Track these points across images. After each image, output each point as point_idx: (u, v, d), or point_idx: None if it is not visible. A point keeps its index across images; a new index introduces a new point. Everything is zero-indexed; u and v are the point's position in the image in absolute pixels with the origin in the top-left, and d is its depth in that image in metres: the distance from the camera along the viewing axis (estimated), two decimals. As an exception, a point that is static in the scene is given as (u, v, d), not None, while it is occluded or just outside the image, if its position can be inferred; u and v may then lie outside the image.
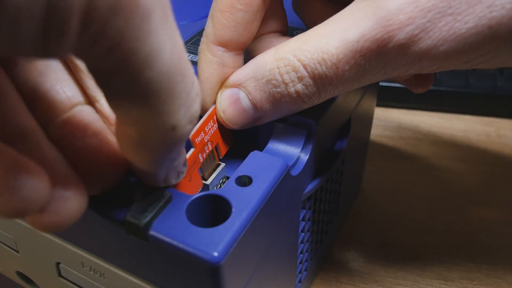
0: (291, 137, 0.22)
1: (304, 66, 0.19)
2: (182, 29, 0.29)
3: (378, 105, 0.47)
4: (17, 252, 0.24)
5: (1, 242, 0.24)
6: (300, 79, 0.19)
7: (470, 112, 0.47)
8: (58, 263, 0.22)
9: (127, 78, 0.13)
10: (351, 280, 0.32)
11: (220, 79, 0.21)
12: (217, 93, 0.21)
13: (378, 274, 0.33)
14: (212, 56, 0.21)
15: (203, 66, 0.21)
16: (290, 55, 0.19)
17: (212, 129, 0.21)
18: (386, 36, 0.17)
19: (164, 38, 0.13)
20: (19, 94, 0.17)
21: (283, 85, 0.19)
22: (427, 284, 0.32)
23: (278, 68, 0.19)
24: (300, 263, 0.27)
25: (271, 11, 0.23)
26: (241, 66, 0.22)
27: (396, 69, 0.19)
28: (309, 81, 0.19)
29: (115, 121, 0.16)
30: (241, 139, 0.24)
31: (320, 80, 0.19)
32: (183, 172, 0.18)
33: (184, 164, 0.18)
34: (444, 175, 0.40)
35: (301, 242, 0.26)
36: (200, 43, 0.22)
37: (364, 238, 0.35)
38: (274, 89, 0.20)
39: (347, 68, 0.18)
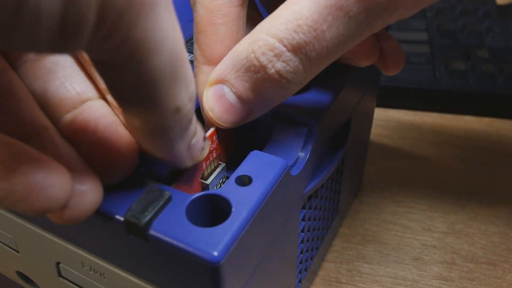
0: (291, 137, 0.22)
1: (280, 40, 0.17)
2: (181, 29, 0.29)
3: (378, 105, 0.47)
4: (17, 252, 0.24)
5: (1, 242, 0.24)
6: (278, 56, 0.18)
7: (470, 112, 0.47)
8: (58, 263, 0.22)
9: (136, 68, 0.13)
10: (351, 280, 0.32)
11: None
12: None
13: (378, 274, 0.33)
14: (206, 76, 0.21)
15: (201, 88, 0.21)
16: (263, 34, 0.18)
17: (218, 139, 0.21)
18: None
19: (167, 27, 0.13)
20: (29, 93, 0.18)
21: (262, 68, 0.18)
22: (427, 284, 0.32)
23: (253, 52, 0.18)
24: (300, 263, 0.27)
25: (248, 16, 0.22)
26: None
27: (382, 14, 0.17)
28: (288, 55, 0.18)
29: (124, 116, 0.16)
30: (241, 139, 0.24)
31: (300, 50, 0.17)
32: (206, 147, 0.19)
33: (205, 139, 0.19)
34: (444, 175, 0.40)
35: (301, 242, 0.26)
36: (194, 67, 0.21)
37: (364, 238, 0.35)
38: (255, 76, 0.18)
39: (325, 27, 0.17)
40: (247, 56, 0.18)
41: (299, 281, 0.28)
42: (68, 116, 0.18)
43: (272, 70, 0.18)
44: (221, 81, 0.19)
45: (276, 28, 0.17)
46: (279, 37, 0.17)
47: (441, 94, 0.46)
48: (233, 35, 0.21)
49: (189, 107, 0.16)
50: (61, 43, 0.11)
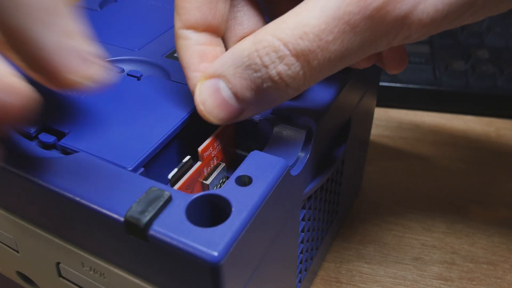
0: (291, 137, 0.22)
1: (285, 44, 0.18)
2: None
3: (378, 105, 0.47)
4: (17, 252, 0.24)
5: (1, 242, 0.24)
6: (282, 58, 0.18)
7: (470, 112, 0.47)
8: (58, 263, 0.22)
9: None
10: (351, 280, 0.32)
11: (201, 57, 0.21)
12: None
13: (378, 274, 0.33)
14: (185, 40, 0.21)
15: (181, 52, 0.21)
16: (269, 35, 0.18)
17: (220, 146, 0.22)
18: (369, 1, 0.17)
19: None
20: None
21: (264, 68, 0.18)
22: (427, 284, 0.32)
23: (257, 51, 0.18)
24: (300, 263, 0.27)
25: (246, 11, 0.23)
26: (221, 46, 0.22)
27: (387, 34, 0.18)
28: (291, 59, 0.18)
29: None
30: (241, 139, 0.24)
31: (304, 56, 0.18)
32: (95, 65, 0.16)
33: (95, 56, 0.16)
34: (444, 175, 0.40)
35: (301, 242, 0.26)
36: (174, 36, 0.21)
37: (364, 238, 0.35)
38: (254, 74, 0.18)
39: (331, 38, 0.17)
40: (249, 54, 0.18)
41: (299, 281, 0.28)
42: None
43: (274, 71, 0.18)
44: (217, 76, 0.19)
45: (282, 32, 0.18)
46: (285, 41, 0.18)
47: (441, 94, 0.46)
48: (211, 4, 0.21)
49: None
50: None
